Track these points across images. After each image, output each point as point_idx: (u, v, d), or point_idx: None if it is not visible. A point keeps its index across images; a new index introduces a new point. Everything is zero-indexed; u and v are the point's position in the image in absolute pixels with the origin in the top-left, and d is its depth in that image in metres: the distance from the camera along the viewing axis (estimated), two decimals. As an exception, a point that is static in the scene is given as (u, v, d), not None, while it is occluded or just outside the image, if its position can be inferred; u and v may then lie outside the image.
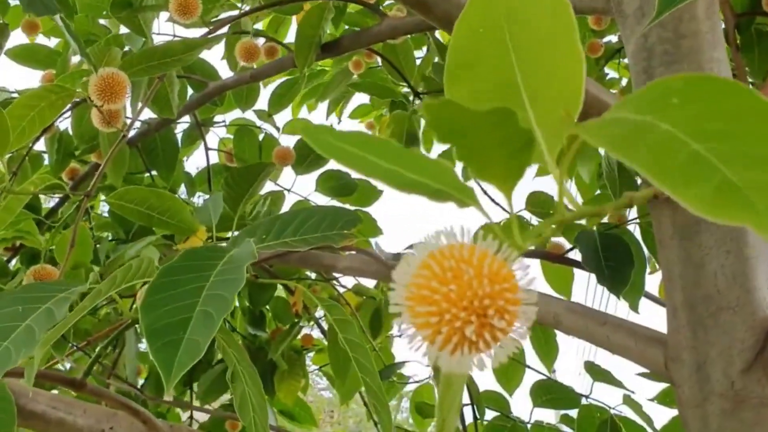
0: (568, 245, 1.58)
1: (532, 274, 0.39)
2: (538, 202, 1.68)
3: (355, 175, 1.95)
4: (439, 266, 0.37)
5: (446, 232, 0.39)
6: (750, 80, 2.09)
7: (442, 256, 0.38)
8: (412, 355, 2.15)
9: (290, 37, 2.22)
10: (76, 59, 1.70)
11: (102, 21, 1.78)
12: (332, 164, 1.99)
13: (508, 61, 0.42)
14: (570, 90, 0.42)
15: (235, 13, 1.65)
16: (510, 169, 0.41)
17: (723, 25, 1.87)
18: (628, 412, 1.75)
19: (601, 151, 1.67)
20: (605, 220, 1.91)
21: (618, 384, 1.75)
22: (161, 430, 0.78)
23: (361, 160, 0.40)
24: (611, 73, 2.52)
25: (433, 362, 0.38)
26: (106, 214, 2.04)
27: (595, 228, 1.45)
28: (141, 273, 0.59)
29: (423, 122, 2.03)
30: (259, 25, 2.12)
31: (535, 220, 1.75)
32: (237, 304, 2.21)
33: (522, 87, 0.42)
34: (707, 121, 0.32)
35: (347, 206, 1.61)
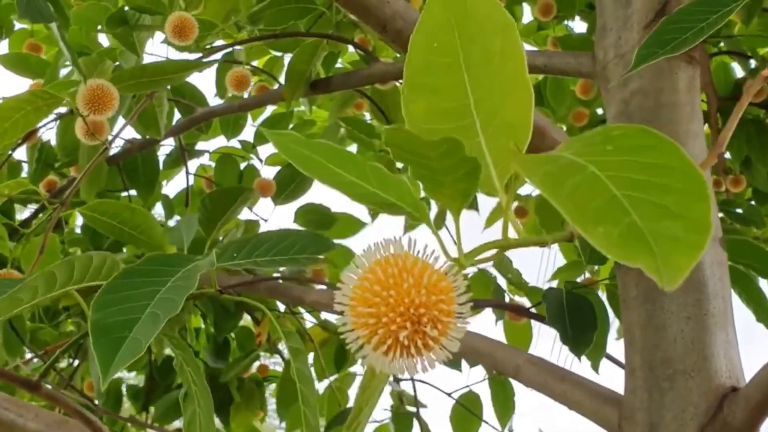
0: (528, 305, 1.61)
1: (469, 292, 0.41)
2: (502, 262, 1.74)
3: (334, 208, 1.95)
4: (382, 272, 0.40)
5: (394, 242, 0.41)
6: (729, 165, 2.13)
7: (387, 264, 0.40)
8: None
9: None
10: (65, 72, 1.71)
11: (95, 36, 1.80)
12: (312, 197, 2.00)
13: (461, 81, 0.44)
14: (519, 119, 0.44)
15: (231, 42, 1.67)
16: (457, 191, 0.44)
17: (706, 107, 1.92)
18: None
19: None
20: (579, 279, 1.93)
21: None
22: (110, 442, 0.78)
23: (325, 170, 0.42)
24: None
25: (367, 361, 0.40)
26: (80, 231, 2.02)
27: (563, 287, 1.46)
28: (104, 273, 0.59)
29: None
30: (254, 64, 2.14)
31: (500, 279, 1.78)
32: (203, 326, 2.19)
33: (474, 111, 0.44)
34: (632, 170, 0.35)
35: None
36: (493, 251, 0.46)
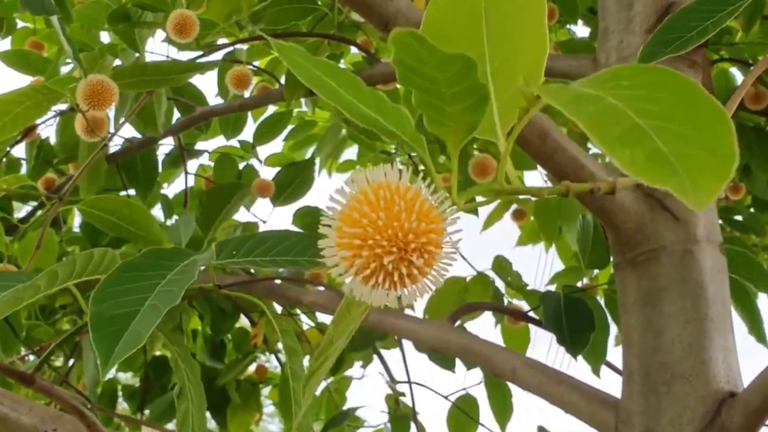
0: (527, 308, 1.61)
1: (461, 228, 0.40)
2: (501, 265, 1.73)
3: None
4: (374, 195, 0.39)
5: (389, 170, 0.40)
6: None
7: (380, 187, 0.39)
8: (367, 399, 2.14)
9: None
10: (65, 70, 1.71)
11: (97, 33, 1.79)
12: (310, 199, 2.00)
13: (479, 35, 0.44)
14: (531, 70, 0.44)
15: (232, 40, 1.67)
16: (461, 123, 0.43)
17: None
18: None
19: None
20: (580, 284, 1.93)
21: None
22: (104, 437, 0.77)
23: (326, 86, 0.41)
24: (593, 149, 2.55)
25: (348, 287, 0.39)
26: (78, 230, 2.02)
27: (561, 291, 1.46)
28: (104, 267, 0.58)
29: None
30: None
31: (499, 281, 1.78)
32: (199, 328, 2.19)
33: (488, 61, 0.44)
34: (650, 103, 0.35)
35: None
36: (488, 195, 0.45)
